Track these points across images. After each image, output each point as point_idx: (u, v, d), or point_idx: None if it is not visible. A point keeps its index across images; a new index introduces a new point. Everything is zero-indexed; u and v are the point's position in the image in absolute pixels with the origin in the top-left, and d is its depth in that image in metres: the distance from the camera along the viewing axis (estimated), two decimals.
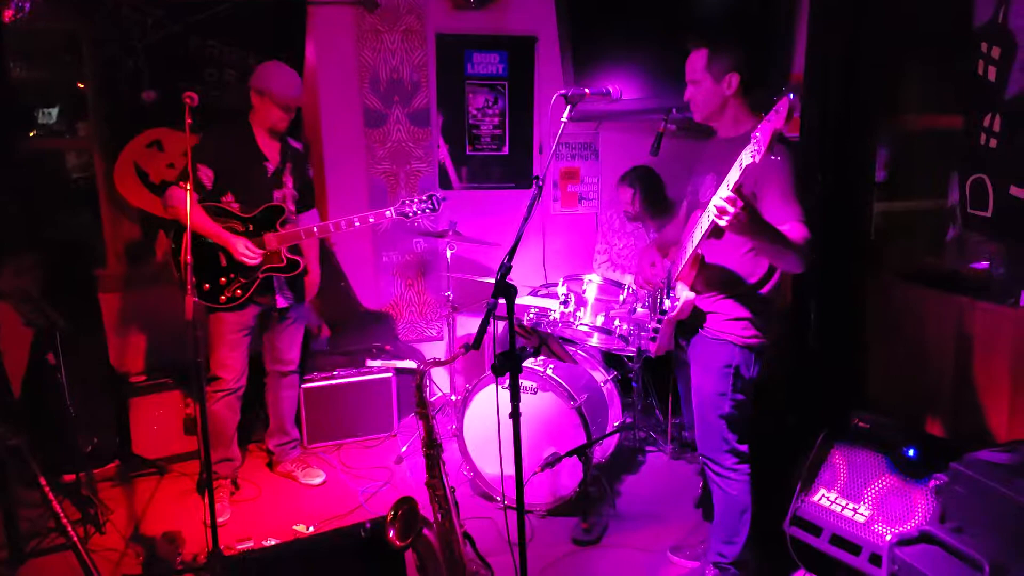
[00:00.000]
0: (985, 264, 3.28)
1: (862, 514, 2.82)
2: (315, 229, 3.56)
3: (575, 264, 5.03)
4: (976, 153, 2.93)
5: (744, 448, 2.82)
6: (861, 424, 3.04)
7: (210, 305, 3.50)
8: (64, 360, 3.42)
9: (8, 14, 3.78)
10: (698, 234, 2.53)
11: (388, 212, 3.63)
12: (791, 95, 1.99)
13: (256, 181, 3.54)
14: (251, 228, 3.52)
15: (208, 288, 3.49)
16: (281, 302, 3.68)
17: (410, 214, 3.66)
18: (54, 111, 4.58)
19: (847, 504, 2.88)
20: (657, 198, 4.47)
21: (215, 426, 3.64)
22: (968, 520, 2.36)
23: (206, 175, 3.44)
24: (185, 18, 4.22)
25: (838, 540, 2.84)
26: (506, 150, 5.02)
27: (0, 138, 3.92)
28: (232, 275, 3.51)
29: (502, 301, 2.28)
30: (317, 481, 3.97)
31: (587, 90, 2.44)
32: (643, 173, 4.47)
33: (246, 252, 3.42)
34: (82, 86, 4.39)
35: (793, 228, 2.42)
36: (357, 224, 3.57)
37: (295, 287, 3.76)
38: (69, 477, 3.60)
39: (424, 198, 3.66)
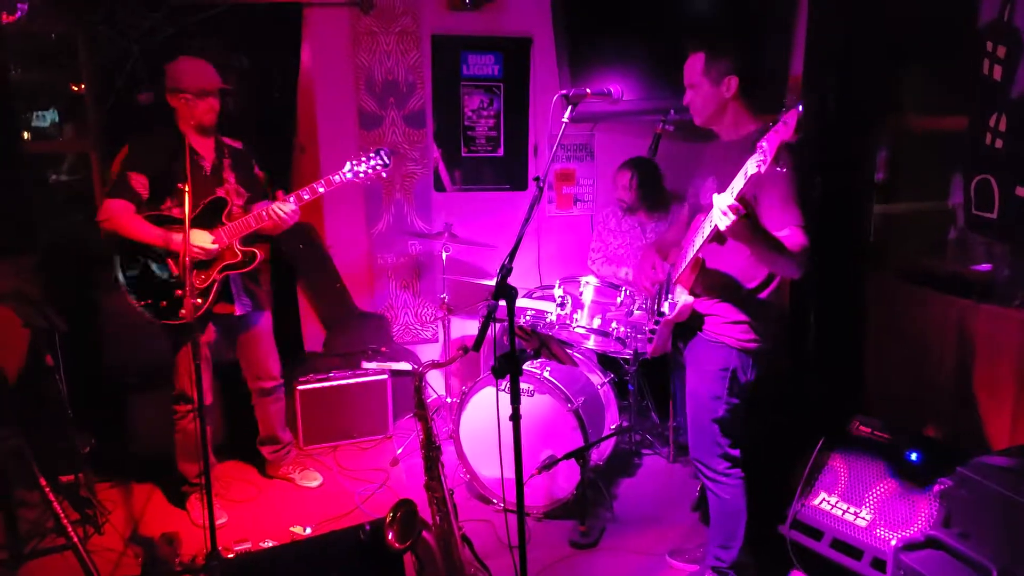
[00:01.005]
0: (988, 266, 3.28)
1: (864, 518, 2.82)
2: (264, 213, 3.35)
3: (570, 266, 5.03)
4: (981, 153, 2.92)
5: (736, 453, 2.82)
6: (862, 428, 3.04)
7: (172, 323, 3.33)
8: (62, 361, 3.39)
9: (5, 16, 3.75)
10: (700, 238, 2.52)
11: (337, 177, 3.39)
12: (799, 107, 1.99)
13: (194, 182, 3.22)
14: (196, 227, 3.33)
15: (165, 304, 3.32)
16: (239, 309, 3.55)
17: (362, 173, 3.42)
18: (51, 114, 4.55)
19: (848, 508, 2.88)
20: (655, 188, 4.46)
21: (192, 443, 3.50)
22: (974, 525, 2.36)
23: (140, 183, 3.29)
24: (181, 21, 4.20)
25: (839, 544, 2.83)
26: (501, 152, 5.01)
27: None
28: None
29: (502, 303, 2.26)
30: (314, 484, 3.95)
31: (588, 90, 2.43)
32: (644, 161, 4.47)
33: (202, 243, 3.27)
34: (79, 89, 4.37)
35: (792, 234, 2.42)
36: (306, 197, 3.37)
37: (252, 294, 3.64)
38: (67, 478, 3.58)
39: (372, 153, 3.43)
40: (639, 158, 4.48)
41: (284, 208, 3.34)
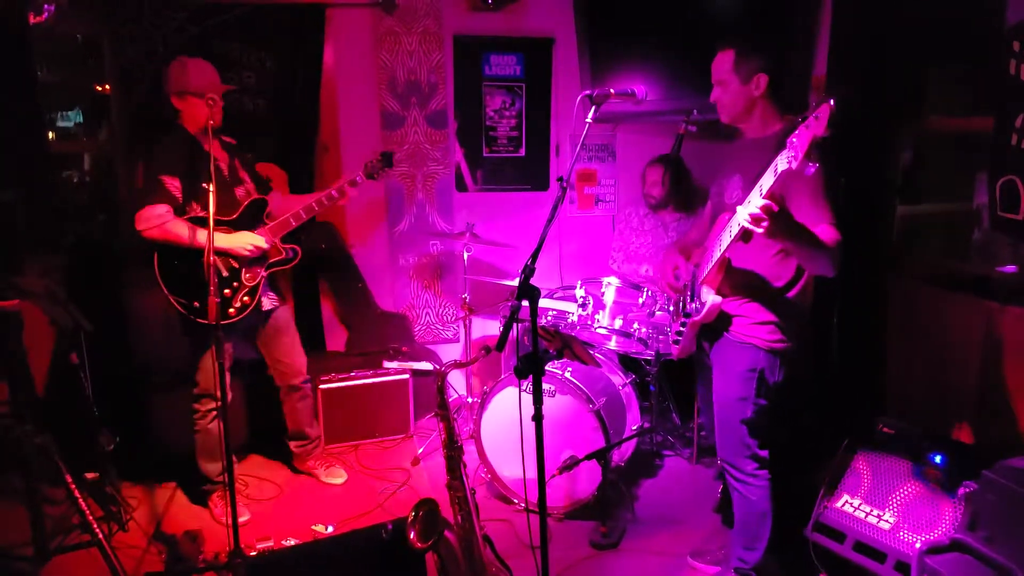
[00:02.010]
0: (1013, 267, 3.24)
1: (887, 521, 2.80)
2: (302, 212, 3.48)
3: (592, 266, 5.02)
4: (1007, 154, 2.90)
5: (764, 453, 2.80)
6: (885, 430, 3.02)
7: (221, 323, 3.25)
8: (87, 359, 3.43)
9: (32, 18, 3.80)
10: (726, 238, 2.51)
11: (357, 178, 3.58)
12: (831, 101, 1.96)
13: (217, 184, 3.20)
14: (239, 230, 3.42)
15: (199, 305, 3.33)
16: (266, 304, 3.59)
17: (376, 174, 3.63)
18: (76, 114, 4.60)
19: (871, 511, 2.86)
20: (685, 184, 4.46)
21: (213, 441, 3.55)
22: (1000, 528, 2.33)
23: (174, 186, 3.29)
24: (205, 21, 4.24)
25: (862, 547, 2.82)
26: (523, 152, 5.01)
27: (24, 140, 3.95)
28: (236, 283, 3.41)
29: (525, 303, 2.26)
30: (339, 480, 3.98)
31: (612, 91, 2.42)
32: (675, 158, 4.45)
33: (258, 243, 3.35)
34: (103, 89, 4.41)
35: (824, 231, 2.40)
36: (335, 195, 3.52)
37: (277, 288, 3.69)
38: (92, 475, 3.62)
39: (380, 155, 3.64)
40: (666, 155, 4.47)
41: (342, 192, 3.54)
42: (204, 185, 2.91)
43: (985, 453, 2.74)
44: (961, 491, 2.62)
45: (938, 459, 2.80)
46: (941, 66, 3.63)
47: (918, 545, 2.62)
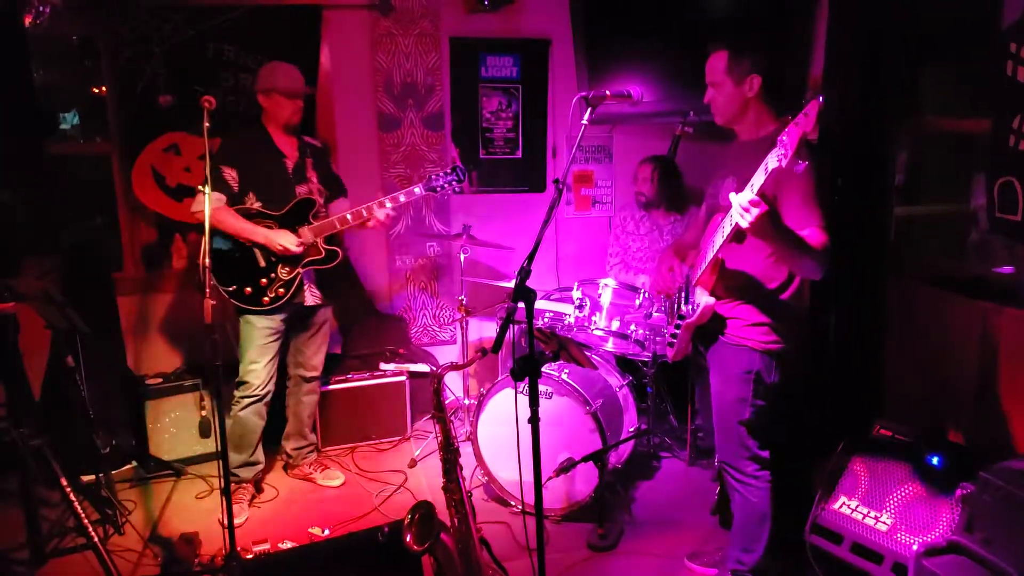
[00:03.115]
0: (1011, 268, 3.24)
1: (884, 523, 2.79)
2: (348, 216, 3.55)
3: (588, 268, 5.01)
4: (1005, 155, 2.89)
5: (765, 454, 2.80)
6: (883, 431, 3.01)
7: (252, 309, 3.52)
8: (83, 362, 3.43)
9: (28, 19, 3.79)
10: (719, 238, 2.51)
11: (417, 189, 3.62)
12: (820, 98, 1.98)
13: (278, 179, 3.56)
14: (284, 226, 3.54)
15: (250, 292, 3.50)
16: (310, 300, 3.69)
17: (438, 188, 3.65)
18: (72, 116, 4.60)
19: (869, 512, 2.85)
20: (675, 184, 4.45)
21: (243, 431, 3.66)
22: (998, 530, 2.33)
23: (231, 176, 3.48)
24: (202, 23, 4.25)
25: (860, 549, 2.80)
26: (519, 153, 5.01)
27: (20, 142, 3.94)
28: (272, 275, 3.52)
29: (521, 305, 2.26)
30: (336, 483, 3.98)
31: (608, 92, 2.41)
32: (666, 158, 4.46)
33: (287, 244, 3.45)
34: (100, 91, 4.41)
35: (813, 234, 2.40)
36: (388, 205, 3.57)
37: (323, 286, 3.77)
38: (88, 478, 3.62)
39: (449, 170, 3.67)
40: (657, 155, 4.48)
41: (380, 211, 3.55)
42: (200, 187, 3.02)
43: (982, 454, 2.74)
44: (958, 493, 2.61)
45: (935, 460, 2.80)
46: (939, 67, 3.63)
47: (915, 547, 2.61)
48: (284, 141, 3.61)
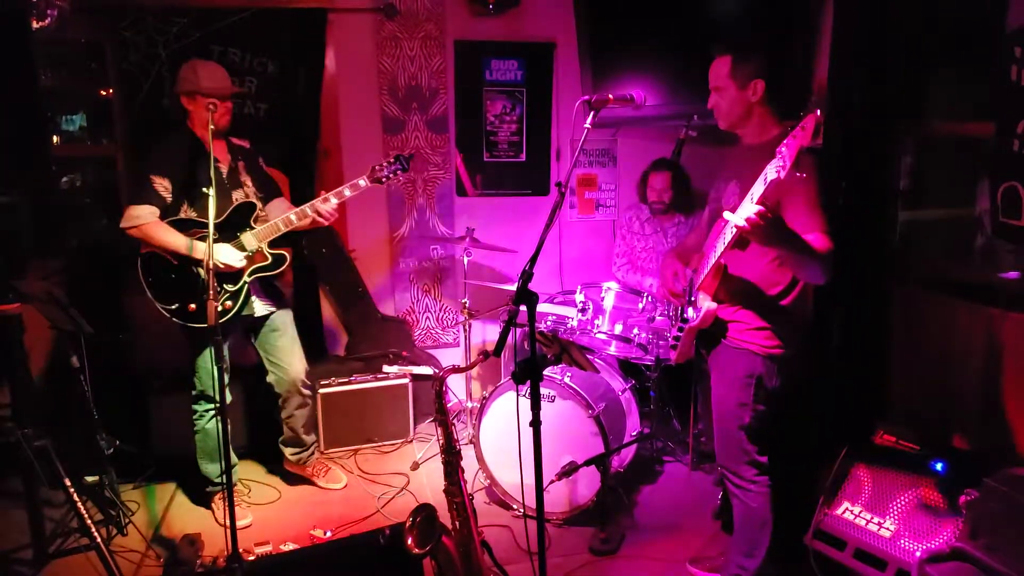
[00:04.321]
0: (1015, 274, 3.22)
1: (888, 529, 2.78)
2: (293, 216, 3.38)
3: (592, 271, 5.02)
4: (1008, 160, 2.89)
5: (764, 459, 2.79)
6: (886, 437, 3.00)
7: (199, 327, 3.32)
8: (87, 363, 3.44)
9: (35, 22, 3.81)
10: (721, 244, 2.51)
11: (361, 181, 3.41)
12: (818, 111, 1.99)
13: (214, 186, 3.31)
14: (225, 233, 3.38)
15: (195, 308, 3.33)
16: (260, 309, 3.57)
17: (383, 178, 3.46)
18: (78, 118, 4.62)
19: (872, 518, 2.84)
20: (687, 187, 4.46)
21: (213, 442, 3.55)
22: (1001, 537, 2.32)
23: (162, 186, 3.29)
24: (207, 26, 4.26)
25: (863, 555, 2.80)
26: (524, 157, 5.02)
27: (27, 144, 3.96)
28: (218, 287, 3.30)
29: (523, 308, 2.26)
30: (339, 485, 3.97)
31: (611, 95, 2.41)
32: (674, 162, 4.44)
33: (230, 261, 3.29)
34: (106, 93, 4.43)
35: (817, 238, 2.40)
36: (333, 201, 3.38)
37: (276, 294, 3.67)
38: (91, 478, 3.62)
39: (392, 160, 3.46)
40: (666, 159, 4.46)
41: (325, 207, 3.38)
42: (204, 189, 2.90)
43: (987, 461, 2.73)
44: (962, 499, 2.60)
45: (939, 466, 2.79)
46: (943, 71, 3.62)
47: (918, 553, 2.61)
48: (214, 146, 3.28)
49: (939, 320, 3.48)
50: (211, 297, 2.75)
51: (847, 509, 2.92)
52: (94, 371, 3.49)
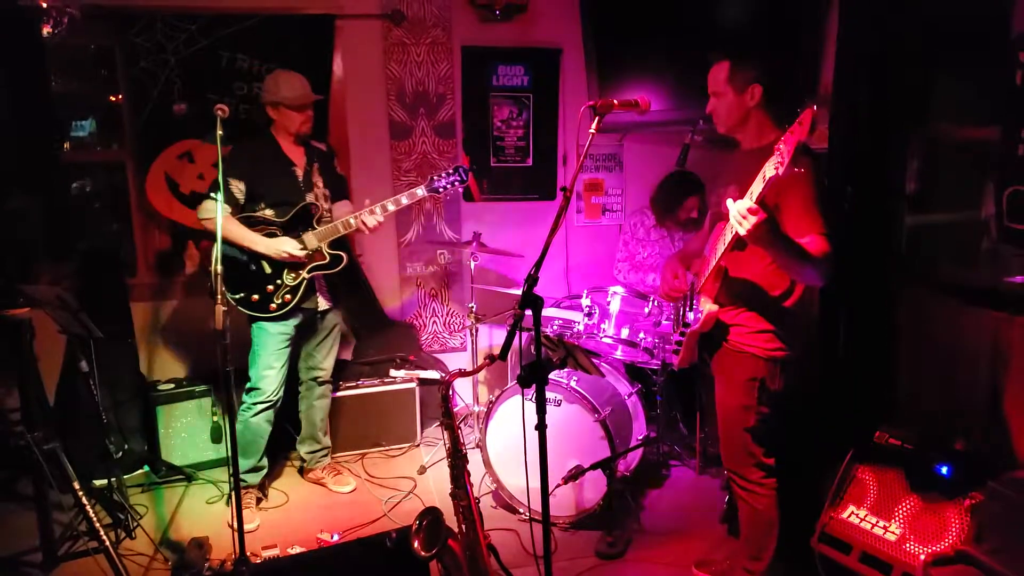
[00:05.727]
0: (1022, 278, 3.22)
1: (893, 532, 2.78)
2: (352, 220, 3.56)
3: (598, 276, 5.03)
4: (1014, 164, 2.89)
5: (770, 461, 2.79)
6: (892, 440, 3.00)
7: (260, 316, 3.56)
8: (96, 367, 3.47)
9: (47, 28, 3.85)
10: (721, 246, 2.52)
11: (420, 190, 3.60)
12: (814, 106, 1.99)
13: (287, 188, 3.59)
14: (289, 232, 3.57)
15: (257, 299, 3.55)
16: (323, 304, 3.74)
17: (441, 188, 3.65)
18: (88, 123, 4.66)
19: (877, 521, 2.84)
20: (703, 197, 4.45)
21: (253, 437, 3.69)
22: (1006, 540, 2.32)
23: (237, 188, 3.51)
24: (216, 33, 4.30)
25: (868, 558, 2.79)
26: (530, 162, 5.03)
27: (37, 149, 3.99)
28: (279, 281, 3.56)
29: (529, 312, 2.27)
30: (348, 489, 4.00)
31: (615, 100, 2.42)
32: (693, 177, 4.42)
33: (288, 251, 3.48)
34: (116, 99, 4.47)
35: (813, 241, 2.40)
36: (391, 208, 3.58)
37: (335, 291, 3.81)
38: (100, 482, 3.65)
39: (451, 171, 3.65)
40: (682, 174, 4.42)
41: (371, 220, 3.55)
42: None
43: (992, 464, 2.73)
44: (967, 502, 2.60)
45: (944, 470, 2.78)
46: (950, 75, 3.61)
47: (923, 557, 2.61)
48: (292, 150, 3.64)
49: (946, 323, 3.48)
50: (218, 301, 2.76)
51: (853, 512, 2.92)
52: (103, 375, 3.52)
